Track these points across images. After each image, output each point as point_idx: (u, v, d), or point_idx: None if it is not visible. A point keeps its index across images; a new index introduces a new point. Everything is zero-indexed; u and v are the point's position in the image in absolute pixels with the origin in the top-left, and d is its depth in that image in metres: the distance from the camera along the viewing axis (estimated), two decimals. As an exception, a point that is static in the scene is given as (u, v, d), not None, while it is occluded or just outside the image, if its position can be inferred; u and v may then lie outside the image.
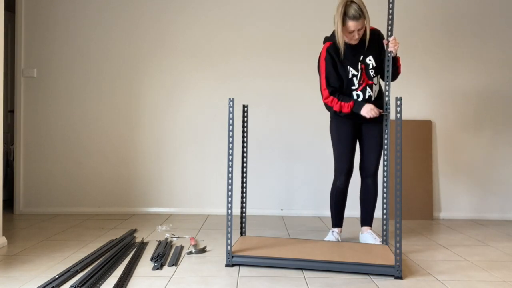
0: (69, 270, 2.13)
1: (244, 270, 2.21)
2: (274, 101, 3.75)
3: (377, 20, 3.74)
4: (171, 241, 2.75)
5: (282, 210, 3.75)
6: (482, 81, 3.75)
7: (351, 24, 2.46)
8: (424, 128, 3.71)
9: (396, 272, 2.11)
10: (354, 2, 2.45)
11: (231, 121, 2.28)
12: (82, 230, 3.08)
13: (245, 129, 2.65)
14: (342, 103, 2.55)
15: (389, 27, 2.53)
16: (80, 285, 1.93)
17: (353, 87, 2.60)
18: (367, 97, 2.59)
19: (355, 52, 2.58)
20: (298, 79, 3.73)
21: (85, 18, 3.77)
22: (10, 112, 4.27)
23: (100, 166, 3.76)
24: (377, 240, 2.64)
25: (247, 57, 3.76)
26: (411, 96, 3.74)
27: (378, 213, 3.70)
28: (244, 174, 2.70)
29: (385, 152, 2.59)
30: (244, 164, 2.70)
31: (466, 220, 3.64)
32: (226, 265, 2.27)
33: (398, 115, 2.10)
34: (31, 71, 3.74)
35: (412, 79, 3.74)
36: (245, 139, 2.67)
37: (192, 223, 3.35)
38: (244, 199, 2.69)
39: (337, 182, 2.71)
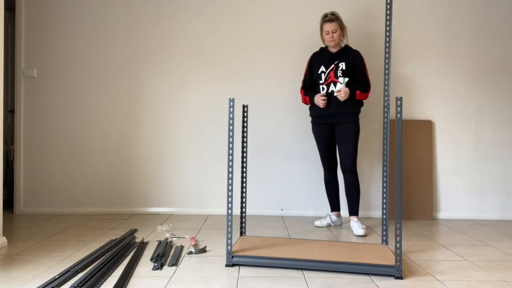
0: (69, 270, 2.13)
1: (244, 270, 2.21)
2: (274, 101, 3.75)
3: (377, 20, 3.75)
4: (171, 241, 2.75)
5: (282, 210, 3.75)
6: (482, 81, 3.75)
7: (327, 25, 3.12)
8: (424, 128, 3.72)
9: (396, 272, 2.11)
10: (333, 13, 3.13)
11: (231, 121, 2.28)
12: (82, 230, 3.08)
13: (245, 129, 2.65)
14: (306, 97, 3.24)
15: (387, 27, 2.53)
16: (80, 285, 1.93)
17: (320, 81, 3.18)
18: (330, 91, 3.13)
19: (333, 57, 3.18)
20: (298, 79, 3.73)
21: (85, 18, 3.77)
22: (10, 112, 4.27)
23: (100, 166, 3.77)
24: (361, 227, 3.01)
25: (248, 57, 3.76)
26: (411, 96, 3.74)
27: (378, 213, 3.71)
28: (244, 174, 2.70)
29: (385, 152, 2.59)
30: (244, 164, 2.70)
31: (466, 220, 3.64)
32: (226, 265, 2.27)
33: (398, 115, 2.10)
34: (31, 71, 3.75)
35: (412, 79, 3.74)
36: (245, 139, 2.67)
37: (192, 223, 3.35)
38: (244, 199, 2.69)
39: (324, 174, 3.32)
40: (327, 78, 3.15)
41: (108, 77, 3.77)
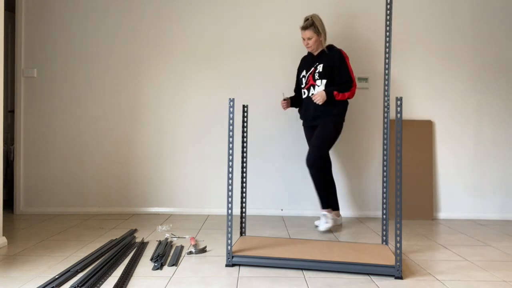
0: (69, 270, 2.13)
1: (244, 270, 2.21)
2: (274, 101, 3.75)
3: (377, 20, 3.75)
4: (171, 241, 2.75)
5: (282, 210, 3.75)
6: (482, 81, 3.75)
7: (301, 33, 3.16)
8: (424, 128, 3.72)
9: (396, 272, 2.11)
10: (311, 17, 3.12)
11: (231, 121, 2.28)
12: (82, 230, 3.08)
13: (245, 129, 2.65)
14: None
15: (387, 28, 2.53)
16: (80, 285, 1.93)
17: (302, 86, 3.25)
18: (310, 94, 3.17)
19: (314, 60, 3.21)
20: (298, 79, 3.73)
21: (85, 18, 3.77)
22: (10, 112, 4.27)
23: (100, 166, 3.77)
24: (325, 222, 3.07)
25: (248, 57, 3.76)
26: (411, 96, 3.74)
27: (378, 213, 3.71)
28: (244, 174, 2.70)
29: (385, 152, 2.59)
30: (244, 164, 2.70)
31: (466, 220, 3.64)
32: (226, 265, 2.27)
33: (398, 115, 2.10)
34: (31, 71, 3.75)
35: (412, 79, 3.74)
36: (245, 139, 2.67)
37: (192, 223, 3.35)
38: (244, 199, 2.69)
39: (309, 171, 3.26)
40: (307, 82, 3.18)
41: (108, 77, 3.77)
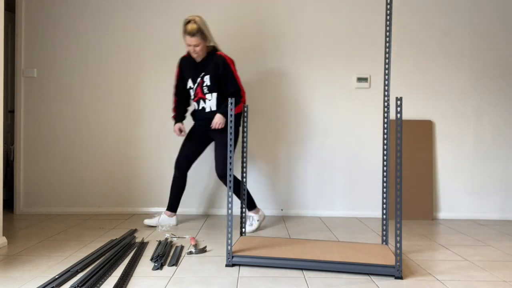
0: (69, 270, 2.13)
1: (244, 270, 2.21)
2: (274, 101, 3.75)
3: (377, 20, 3.75)
4: (171, 241, 2.75)
5: (282, 210, 3.75)
6: (482, 81, 3.75)
7: (187, 39, 2.91)
8: (424, 128, 3.72)
9: (396, 272, 2.11)
10: (195, 22, 2.89)
11: (231, 121, 2.28)
12: (82, 230, 3.08)
13: (245, 129, 2.65)
14: (173, 107, 3.17)
15: (387, 28, 2.53)
16: (80, 285, 1.93)
17: (191, 98, 3.15)
18: (200, 108, 3.08)
19: (199, 69, 3.03)
20: (298, 79, 3.73)
21: (85, 18, 3.77)
22: (10, 112, 4.27)
23: (100, 166, 3.77)
24: (249, 224, 3.08)
25: (247, 57, 3.76)
26: (411, 96, 3.74)
27: (378, 213, 3.71)
28: (244, 174, 2.70)
29: (385, 152, 2.59)
30: (244, 164, 2.70)
31: (466, 220, 3.64)
32: (226, 265, 2.27)
33: (398, 115, 2.10)
34: (31, 71, 3.75)
35: (412, 79, 3.74)
36: (245, 139, 2.67)
37: (192, 223, 3.35)
38: (244, 199, 2.69)
39: (174, 174, 3.19)
40: (195, 95, 3.06)
41: (108, 77, 3.77)
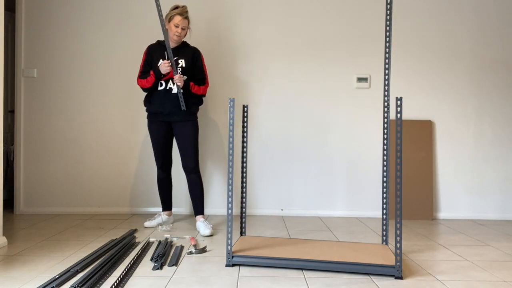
0: (69, 270, 2.13)
1: (244, 270, 2.21)
2: (274, 101, 3.75)
3: (377, 20, 3.75)
4: (171, 241, 2.75)
5: (282, 210, 3.75)
6: (482, 81, 3.75)
7: (178, 19, 3.00)
8: (424, 128, 3.72)
9: (396, 272, 2.11)
10: (184, 7, 3.05)
11: (231, 121, 2.28)
12: (82, 230, 3.08)
13: (245, 129, 2.65)
14: (144, 80, 3.07)
15: (388, 28, 2.53)
16: (80, 285, 1.93)
17: (160, 75, 3.05)
18: (168, 87, 3.06)
19: (173, 53, 3.06)
20: (298, 79, 3.73)
21: (85, 18, 3.77)
22: (10, 112, 4.27)
23: (100, 166, 3.76)
24: (208, 227, 2.98)
25: (247, 57, 3.76)
26: (411, 96, 3.74)
27: (378, 213, 3.71)
28: (244, 174, 2.70)
29: (385, 152, 2.59)
30: (244, 164, 2.70)
31: (466, 220, 3.64)
32: (226, 265, 2.27)
33: (398, 115, 2.10)
34: (31, 71, 3.74)
35: (412, 79, 3.74)
36: (245, 139, 2.67)
37: (192, 223, 3.35)
38: (244, 199, 2.69)
39: (158, 174, 3.24)
40: (166, 74, 3.05)
41: (108, 77, 3.77)
